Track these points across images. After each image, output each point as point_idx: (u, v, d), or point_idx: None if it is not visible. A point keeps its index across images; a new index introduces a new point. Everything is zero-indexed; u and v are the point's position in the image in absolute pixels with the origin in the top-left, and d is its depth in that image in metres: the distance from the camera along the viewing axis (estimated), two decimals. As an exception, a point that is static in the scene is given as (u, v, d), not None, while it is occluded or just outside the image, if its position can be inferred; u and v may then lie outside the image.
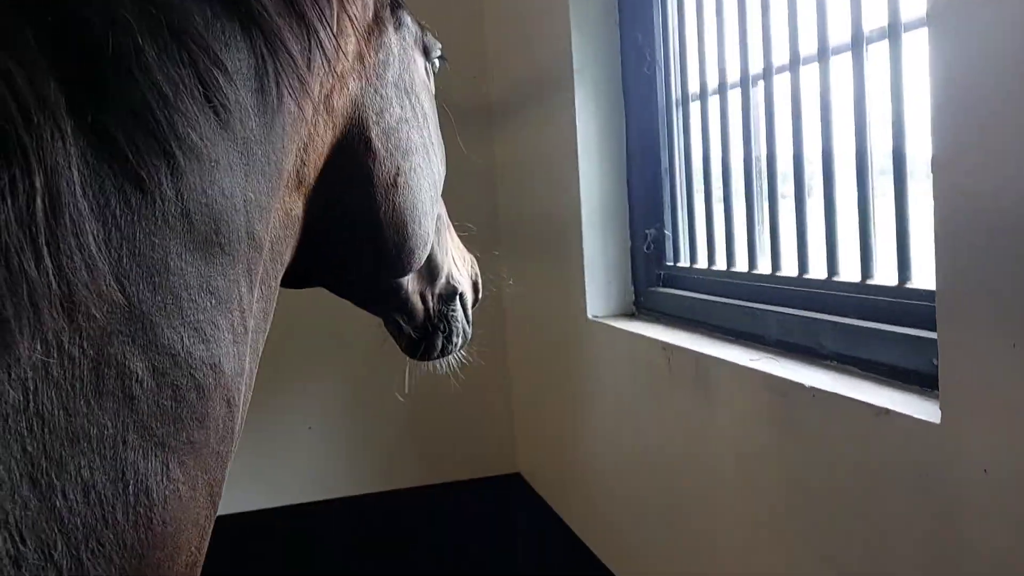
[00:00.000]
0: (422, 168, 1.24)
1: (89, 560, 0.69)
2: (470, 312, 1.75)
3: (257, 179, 0.88)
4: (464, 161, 3.62)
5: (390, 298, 1.49)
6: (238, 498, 3.44)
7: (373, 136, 1.13)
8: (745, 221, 2.11)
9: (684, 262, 2.49)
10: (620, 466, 2.55)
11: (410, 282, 1.49)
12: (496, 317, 3.72)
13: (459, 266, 1.70)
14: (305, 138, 1.00)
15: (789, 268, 1.97)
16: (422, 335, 1.62)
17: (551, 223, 2.96)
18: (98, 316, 0.70)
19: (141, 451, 0.73)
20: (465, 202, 3.60)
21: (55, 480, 0.67)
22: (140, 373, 0.74)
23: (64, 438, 0.68)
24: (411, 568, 3.70)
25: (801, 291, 1.89)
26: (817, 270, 1.87)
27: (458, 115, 3.63)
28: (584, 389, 2.78)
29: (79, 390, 0.69)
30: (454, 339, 1.66)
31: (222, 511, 3.01)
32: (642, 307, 2.66)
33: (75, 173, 0.69)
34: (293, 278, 1.30)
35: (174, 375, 0.77)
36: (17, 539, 0.65)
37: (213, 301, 0.82)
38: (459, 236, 1.83)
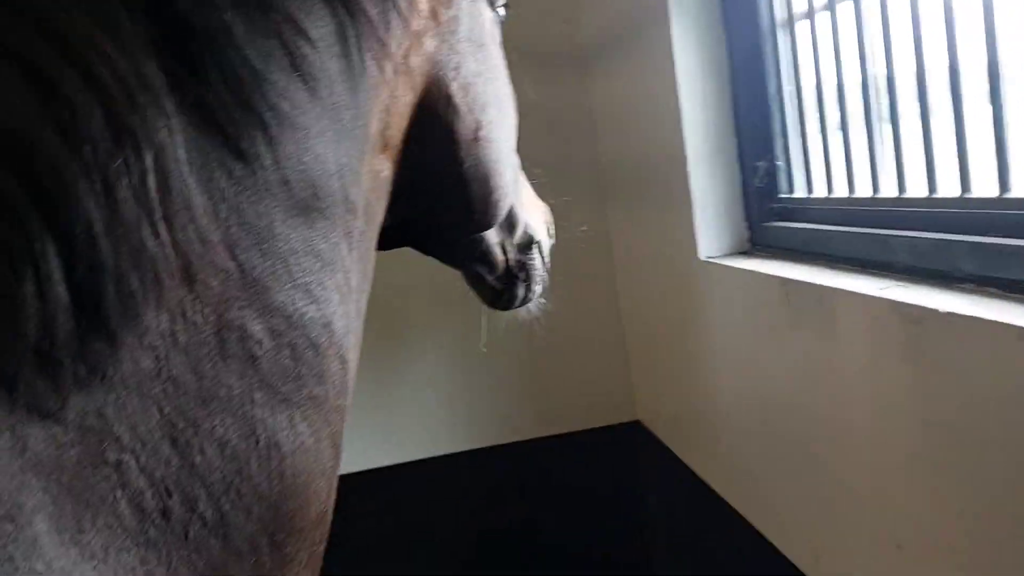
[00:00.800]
0: (499, 120, 1.25)
1: (230, 511, 0.73)
2: (547, 259, 1.76)
3: (347, 144, 0.90)
4: (560, 108, 3.57)
5: (474, 251, 1.52)
6: (359, 456, 3.52)
7: (452, 92, 1.14)
8: (866, 143, 1.99)
9: (800, 193, 2.38)
10: (743, 408, 2.48)
11: (491, 234, 1.51)
12: (606, 264, 3.66)
13: (534, 214, 1.71)
14: (387, 100, 1.01)
15: (917, 189, 1.84)
16: (504, 285, 1.64)
17: (655, 164, 2.87)
18: (215, 284, 0.74)
19: (268, 407, 0.78)
20: (564, 149, 3.56)
21: (192, 439, 0.72)
22: (259, 335, 0.78)
23: (196, 399, 0.72)
24: (535, 522, 3.72)
25: (931, 212, 1.77)
26: (948, 188, 1.75)
27: (551, 61, 3.58)
28: (701, 331, 2.71)
29: (205, 354, 0.74)
30: (533, 287, 1.68)
31: (344, 469, 3.09)
32: (757, 244, 2.56)
33: (180, 150, 0.72)
34: (383, 239, 1.36)
35: (291, 335, 0.81)
36: (164, 494, 0.70)
37: (319, 264, 0.85)
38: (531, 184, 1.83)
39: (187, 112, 0.74)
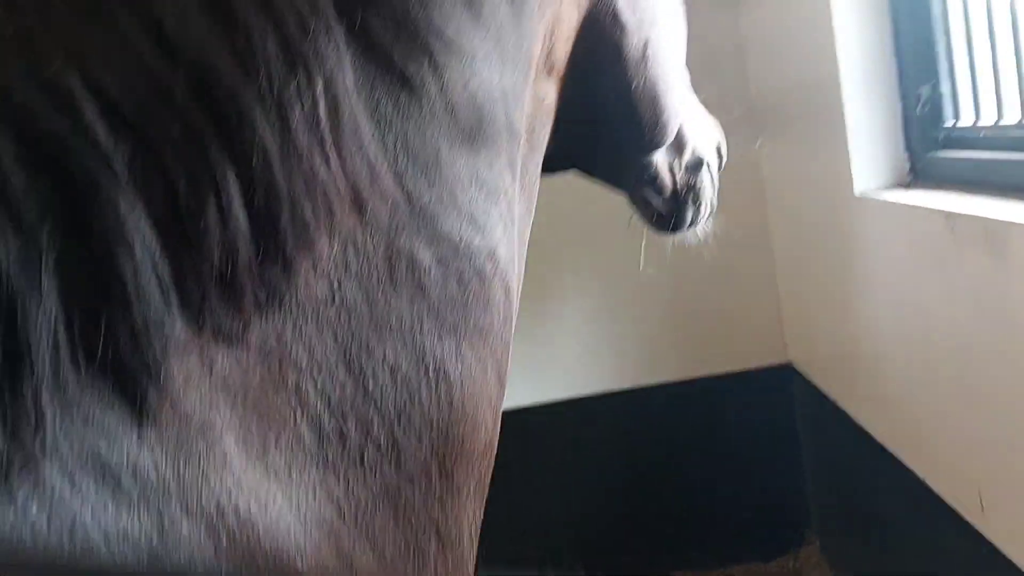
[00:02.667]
0: (668, 36, 1.20)
1: (402, 436, 0.75)
2: (716, 179, 1.68)
3: (511, 68, 0.88)
4: (709, 36, 3.44)
5: (642, 174, 1.45)
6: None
7: (619, 10, 1.09)
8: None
9: (966, 120, 2.21)
10: (904, 350, 2.36)
11: (659, 156, 1.44)
12: (757, 199, 3.53)
13: (703, 133, 1.62)
14: (552, 21, 0.98)
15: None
16: (671, 208, 1.57)
17: (808, 91, 2.73)
18: (384, 212, 0.74)
19: (436, 335, 0.78)
20: (712, 78, 3.42)
21: (365, 365, 0.73)
22: (427, 263, 0.78)
23: (368, 326, 0.73)
24: (681, 466, 3.67)
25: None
26: None
27: (698, -9, 3.44)
28: (858, 269, 2.58)
29: (376, 281, 0.74)
30: (702, 209, 1.60)
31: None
32: (919, 175, 2.40)
33: (348, 78, 0.72)
34: (548, 164, 1.31)
35: (457, 263, 0.80)
36: (339, 418, 0.71)
37: (484, 192, 0.84)
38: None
39: (356, 38, 0.74)
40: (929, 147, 2.34)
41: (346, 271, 0.72)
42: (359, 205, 0.72)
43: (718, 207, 3.57)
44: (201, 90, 0.65)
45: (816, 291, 3.09)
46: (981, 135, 2.11)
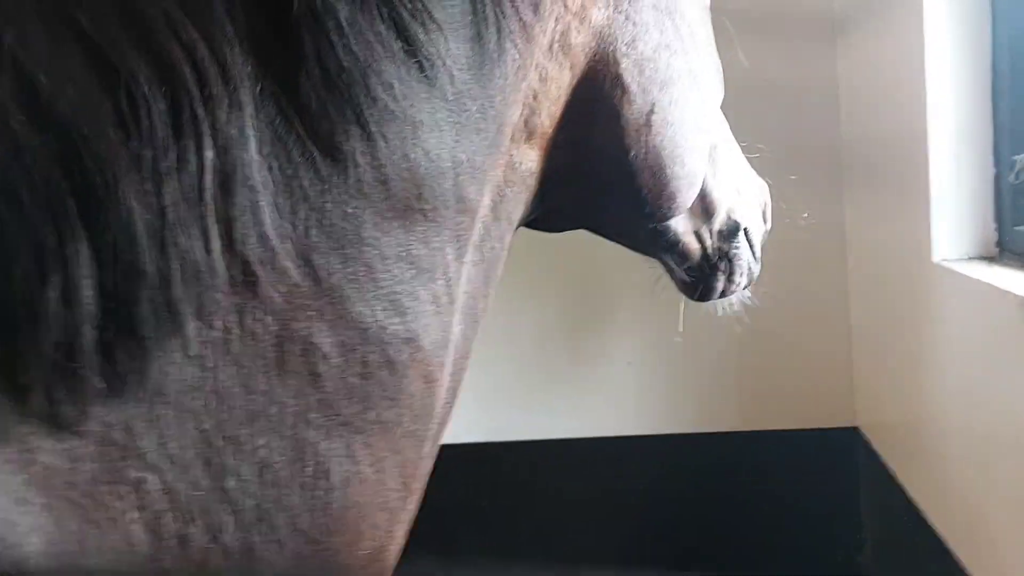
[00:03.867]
0: (685, 98, 1.07)
1: (260, 543, 0.67)
2: (758, 247, 1.53)
3: (470, 137, 0.80)
4: (801, 80, 3.28)
5: (657, 240, 1.32)
6: (557, 425, 3.49)
7: (622, 71, 0.98)
8: None
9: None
10: (967, 436, 2.17)
11: (680, 222, 1.31)
12: (838, 255, 3.36)
13: (744, 196, 1.47)
14: (535, 84, 0.89)
15: None
16: (698, 276, 1.43)
17: (895, 148, 2.56)
18: (281, 291, 0.68)
19: (324, 430, 0.71)
20: (801, 126, 3.27)
21: (229, 460, 0.66)
22: (327, 349, 0.70)
23: (242, 416, 0.67)
24: (731, 520, 3.52)
25: None
26: None
27: (797, 28, 3.30)
28: (931, 341, 2.39)
29: (260, 367, 0.67)
30: (736, 279, 1.46)
31: (542, 436, 3.08)
32: (1006, 249, 2.21)
33: (252, 145, 0.65)
34: (545, 224, 1.22)
35: (364, 350, 0.73)
36: (184, 520, 0.64)
37: (413, 271, 0.76)
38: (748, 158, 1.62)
39: (273, 103, 0.67)
40: (1020, 219, 2.15)
41: (225, 354, 0.65)
42: (250, 284, 0.66)
43: (799, 258, 3.44)
44: (68, 156, 0.59)
45: (889, 356, 2.90)
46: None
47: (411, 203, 0.75)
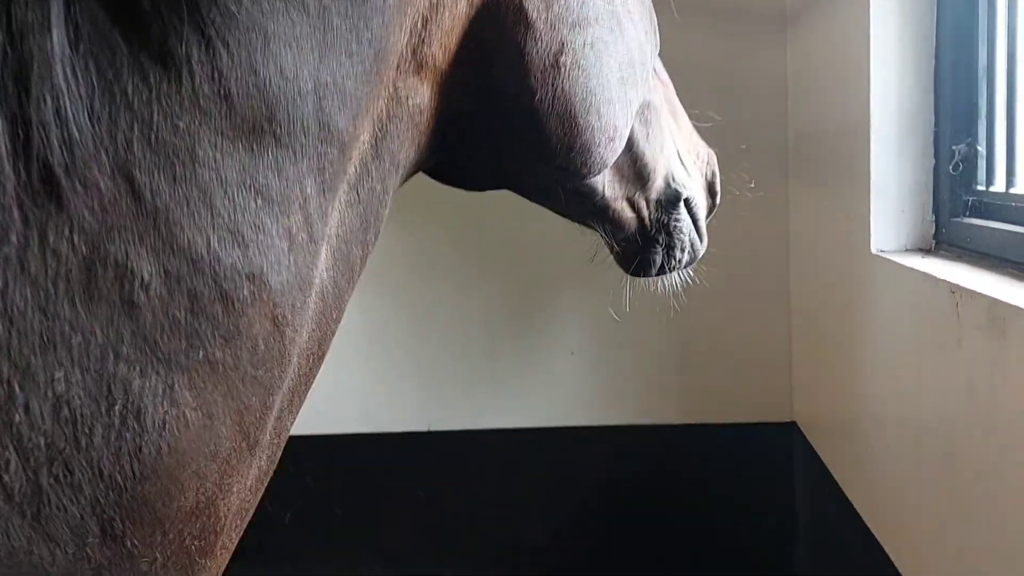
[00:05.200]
0: (603, 43, 0.99)
1: (50, 486, 0.61)
2: (702, 221, 1.45)
3: (338, 59, 0.73)
4: (750, 68, 3.25)
5: (583, 204, 1.24)
6: (497, 413, 3.44)
7: (527, 4, 0.90)
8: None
9: (999, 186, 2.00)
10: (897, 426, 2.15)
11: (606, 186, 1.22)
12: (780, 249, 3.33)
13: (687, 165, 1.39)
14: (424, 10, 0.82)
15: None
16: (633, 248, 1.36)
17: (839, 140, 2.53)
18: (93, 206, 0.61)
19: (137, 367, 0.64)
20: (750, 113, 3.24)
21: (17, 390, 0.59)
22: (146, 277, 0.64)
23: (36, 343, 0.60)
24: (666, 507, 3.50)
25: None
26: None
27: (750, 20, 3.26)
28: (866, 334, 2.37)
29: (63, 291, 0.61)
30: (676, 254, 1.39)
31: (483, 426, 2.96)
32: (943, 241, 2.19)
33: (58, 37, 0.59)
34: (457, 176, 1.15)
35: (193, 283, 0.67)
36: None
37: (259, 200, 0.70)
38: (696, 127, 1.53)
39: None
40: (957, 211, 2.13)
41: (20, 272, 0.59)
42: (51, 196, 0.59)
43: (742, 247, 3.39)
44: None
45: (826, 350, 2.88)
46: (1011, 205, 1.90)
47: (260, 124, 0.69)
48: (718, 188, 1.52)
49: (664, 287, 1.55)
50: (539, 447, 3.50)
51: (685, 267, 1.47)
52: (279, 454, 0.82)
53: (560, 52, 0.94)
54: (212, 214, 0.67)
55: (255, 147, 0.69)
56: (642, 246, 1.36)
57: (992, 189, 2.01)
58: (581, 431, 3.48)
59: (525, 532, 3.53)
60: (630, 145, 1.19)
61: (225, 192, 0.67)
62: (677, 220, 1.36)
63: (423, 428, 3.45)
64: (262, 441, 0.75)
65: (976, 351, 1.64)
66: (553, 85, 0.95)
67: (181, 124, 0.64)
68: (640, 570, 3.49)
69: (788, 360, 3.36)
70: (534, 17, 0.91)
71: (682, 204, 1.37)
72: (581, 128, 0.99)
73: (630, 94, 1.07)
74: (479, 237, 3.37)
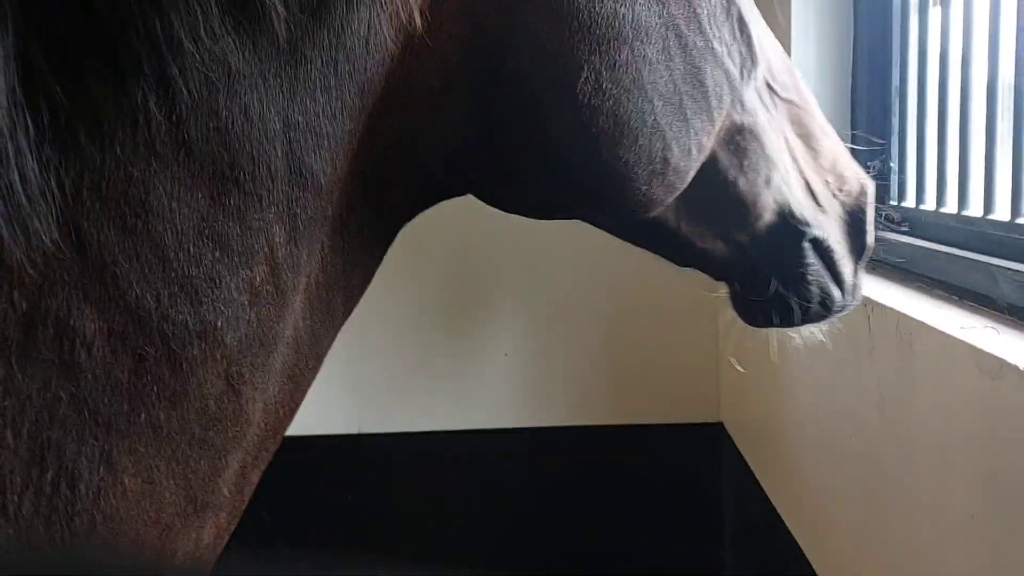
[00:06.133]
0: (650, 63, 0.82)
1: None
2: (841, 265, 1.15)
3: (312, 96, 0.67)
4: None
5: (655, 239, 1.06)
6: (430, 415, 3.45)
7: (532, 21, 0.76)
8: (984, 155, 1.71)
9: (909, 202, 2.09)
10: (814, 430, 2.24)
11: (683, 222, 1.00)
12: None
13: (819, 197, 1.12)
14: (410, 30, 0.71)
15: (1033, 215, 1.56)
16: (745, 296, 1.16)
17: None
18: (35, 259, 0.57)
19: (75, 431, 0.60)
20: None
21: None
22: (89, 336, 0.60)
23: None
24: (597, 512, 3.55)
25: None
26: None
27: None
28: (784, 339, 2.45)
29: None
30: (799, 303, 1.13)
31: (415, 428, 2.95)
32: (858, 252, 2.28)
33: (8, 77, 0.55)
34: (498, 201, 0.96)
35: (139, 341, 0.62)
36: None
37: (217, 252, 0.65)
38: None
39: (49, 41, 0.57)
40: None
41: None
42: None
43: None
44: None
45: (750, 352, 2.97)
46: (920, 220, 2.00)
47: (221, 170, 0.63)
48: (867, 224, 1.20)
49: (801, 338, 1.32)
50: (472, 449, 3.53)
51: (818, 321, 1.23)
52: (243, 507, 0.78)
53: (578, 76, 0.78)
54: (164, 267, 0.63)
55: (215, 194, 0.64)
56: (752, 292, 1.15)
57: (904, 204, 2.11)
58: (513, 433, 3.52)
59: (457, 534, 3.53)
60: (710, 177, 0.97)
61: (180, 243, 0.63)
62: (800, 264, 1.11)
63: (353, 431, 3.44)
64: (214, 502, 0.71)
65: (886, 361, 1.72)
66: (571, 114, 0.80)
67: (135, 172, 0.60)
68: (570, 570, 3.54)
69: (716, 362, 3.45)
70: (544, 36, 0.76)
71: (807, 245, 1.11)
72: (608, 163, 0.83)
73: (695, 121, 0.88)
74: (412, 238, 3.38)
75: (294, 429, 3.26)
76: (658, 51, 0.82)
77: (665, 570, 3.53)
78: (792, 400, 2.42)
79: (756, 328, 1.22)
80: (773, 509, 2.63)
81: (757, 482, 2.85)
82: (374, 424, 3.46)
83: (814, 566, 2.24)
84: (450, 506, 3.54)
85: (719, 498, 3.50)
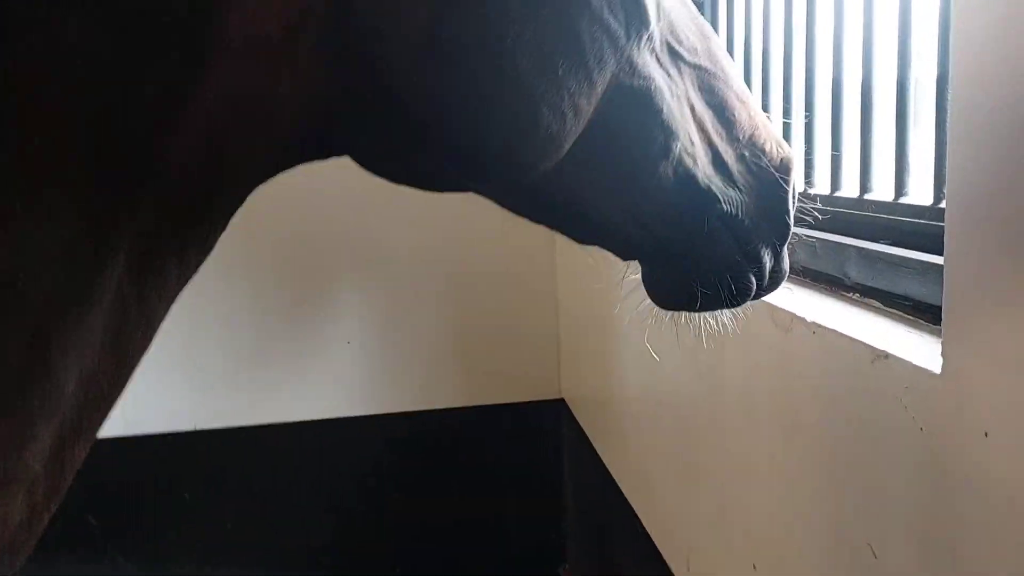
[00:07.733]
0: (511, 17, 0.75)
1: None
2: (757, 246, 1.04)
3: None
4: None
5: (543, 211, 0.99)
6: (272, 408, 3.41)
7: None
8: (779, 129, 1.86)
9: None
10: (643, 399, 2.37)
11: (575, 191, 0.93)
12: (547, 233, 3.52)
13: (730, 167, 1.02)
14: None
15: (823, 186, 1.72)
16: (652, 270, 1.09)
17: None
18: None
19: None
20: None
21: None
22: None
23: None
24: (444, 495, 3.60)
25: (832, 211, 1.64)
26: (851, 188, 1.62)
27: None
28: (615, 315, 2.58)
29: None
30: (710, 285, 1.04)
31: (252, 421, 2.82)
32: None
33: None
34: (402, 176, 0.88)
35: None
36: None
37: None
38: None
39: None
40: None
41: None
42: None
43: (511, 238, 3.49)
44: None
45: (588, 329, 3.10)
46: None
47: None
48: (787, 202, 1.06)
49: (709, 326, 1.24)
50: (318, 440, 3.49)
51: (734, 306, 1.13)
52: (65, 486, 0.71)
53: (430, 32, 0.72)
54: None
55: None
56: (662, 272, 1.09)
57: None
58: (359, 421, 3.51)
59: (301, 529, 3.49)
60: (598, 144, 0.89)
61: None
62: (709, 243, 1.01)
63: (188, 428, 3.35)
64: (21, 477, 0.64)
65: (701, 327, 1.85)
66: (421, 73, 0.74)
67: None
68: (424, 554, 3.57)
69: (556, 340, 3.56)
70: None
71: (716, 222, 1.01)
72: (464, 120, 0.77)
73: (568, 81, 0.80)
74: (247, 222, 3.32)
75: (125, 429, 3.13)
76: (522, 6, 0.75)
77: (511, 549, 3.63)
78: (622, 373, 2.55)
79: (667, 312, 1.15)
80: (609, 475, 2.76)
81: (595, 452, 2.98)
82: (210, 420, 3.36)
83: (643, 521, 2.37)
84: (295, 500, 3.48)
85: (561, 472, 3.62)
